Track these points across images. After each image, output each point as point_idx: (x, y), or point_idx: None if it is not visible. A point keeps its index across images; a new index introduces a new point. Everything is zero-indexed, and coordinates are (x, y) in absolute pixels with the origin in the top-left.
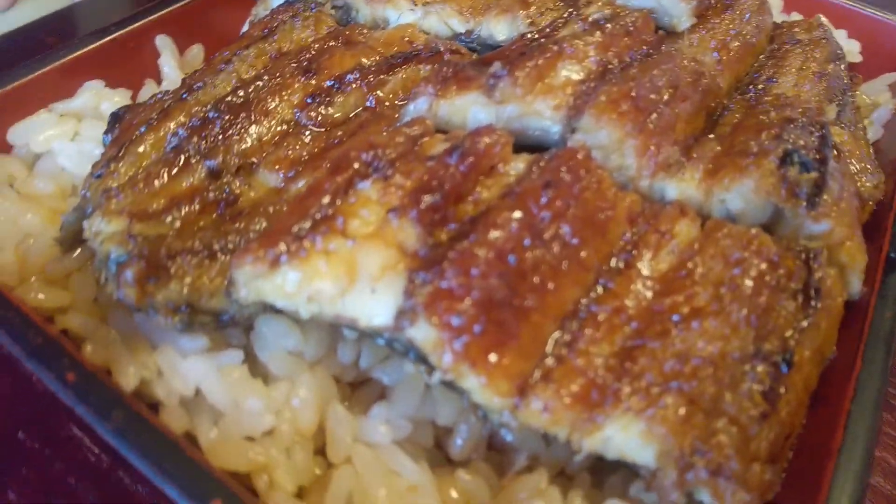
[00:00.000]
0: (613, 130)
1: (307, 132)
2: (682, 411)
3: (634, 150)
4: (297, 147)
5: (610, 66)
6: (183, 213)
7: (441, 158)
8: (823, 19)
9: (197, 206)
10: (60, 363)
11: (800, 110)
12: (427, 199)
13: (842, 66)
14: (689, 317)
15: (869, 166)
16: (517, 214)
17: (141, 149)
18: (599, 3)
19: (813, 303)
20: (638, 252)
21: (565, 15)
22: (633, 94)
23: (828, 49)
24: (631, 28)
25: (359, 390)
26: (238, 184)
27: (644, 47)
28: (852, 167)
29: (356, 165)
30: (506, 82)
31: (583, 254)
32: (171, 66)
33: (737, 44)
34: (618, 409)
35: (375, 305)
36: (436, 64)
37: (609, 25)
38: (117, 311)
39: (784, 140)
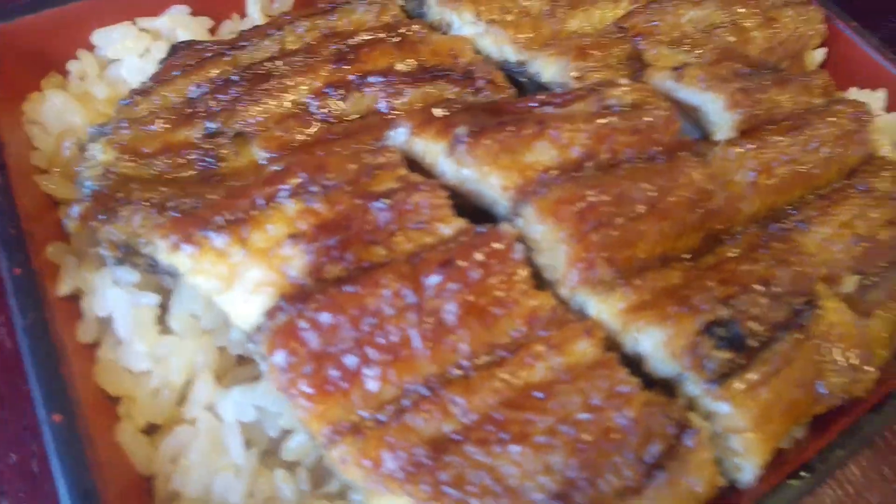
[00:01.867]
0: (549, 230)
1: (312, 121)
2: None
3: (565, 257)
4: (296, 132)
5: (593, 162)
6: (167, 163)
7: (368, 203)
8: None
9: (182, 160)
10: (18, 256)
11: (795, 271)
12: (332, 236)
13: None
14: (515, 439)
15: (856, 360)
16: (406, 279)
17: (166, 91)
18: (636, 87)
19: (655, 474)
20: (517, 355)
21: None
22: (586, 199)
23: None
24: (642, 126)
25: (240, 367)
26: (228, 150)
27: (652, 149)
28: (832, 354)
29: (298, 179)
30: (463, 149)
31: (453, 337)
32: (256, 7)
33: (786, 170)
34: (401, 490)
35: (245, 312)
36: (466, 87)
37: (618, 117)
38: None
39: (729, 306)
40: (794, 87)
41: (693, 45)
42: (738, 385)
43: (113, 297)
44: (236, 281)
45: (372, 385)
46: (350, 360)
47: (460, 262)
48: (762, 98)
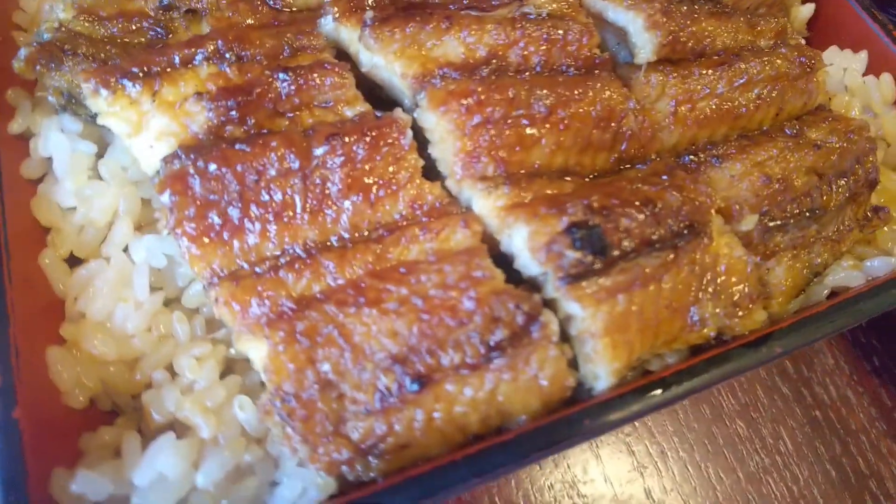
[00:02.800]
0: (438, 121)
1: (263, 7)
2: (305, 371)
3: (452, 150)
4: (246, 16)
5: (498, 65)
6: (119, 28)
7: (276, 74)
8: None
9: (133, 27)
10: None
11: (686, 198)
12: (235, 99)
13: (838, 186)
14: (369, 303)
15: (740, 296)
16: (294, 146)
17: None
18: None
19: (493, 356)
20: (394, 234)
21: None
22: (477, 95)
23: (832, 161)
24: (556, 37)
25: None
26: (178, 24)
27: (565, 61)
28: (713, 285)
29: (216, 45)
30: (368, 33)
31: (335, 208)
32: None
33: (711, 104)
34: (261, 333)
35: (149, 156)
36: None
37: (532, 24)
38: None
39: (600, 215)
40: (735, 23)
41: None
42: (590, 287)
43: (55, 141)
44: (143, 128)
45: (251, 239)
46: (233, 212)
47: (348, 138)
48: (691, 27)
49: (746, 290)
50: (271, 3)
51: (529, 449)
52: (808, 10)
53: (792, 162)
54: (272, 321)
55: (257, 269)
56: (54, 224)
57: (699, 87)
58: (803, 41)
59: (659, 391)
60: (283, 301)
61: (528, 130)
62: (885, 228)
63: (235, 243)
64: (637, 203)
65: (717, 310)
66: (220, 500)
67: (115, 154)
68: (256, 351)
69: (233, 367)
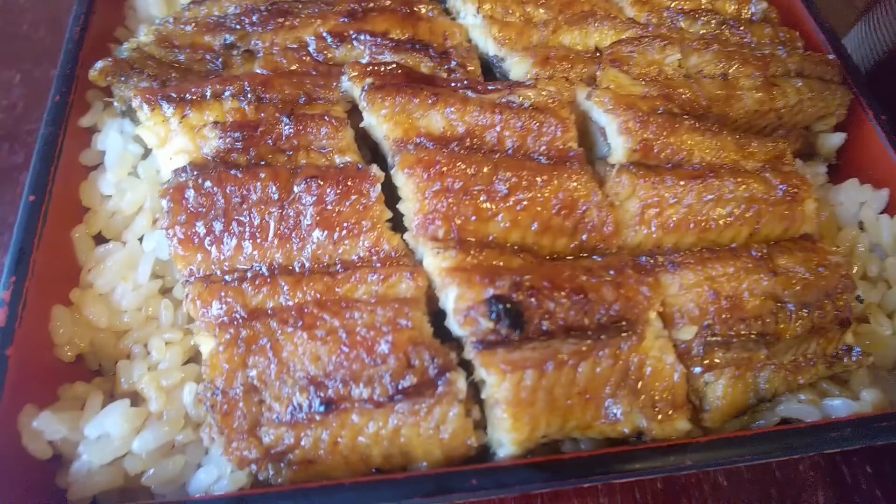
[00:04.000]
0: (406, 183)
1: (306, 57)
2: (236, 372)
3: (413, 209)
4: (291, 62)
5: (473, 142)
6: (186, 56)
7: (282, 117)
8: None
9: (197, 57)
10: (64, 87)
11: (622, 295)
12: (243, 131)
13: (798, 317)
14: (304, 328)
15: (661, 401)
16: (279, 180)
17: (212, 5)
18: (547, 93)
19: (398, 399)
20: (348, 273)
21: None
22: (441, 166)
23: (794, 291)
24: (530, 126)
25: None
26: (235, 61)
27: (537, 150)
28: (634, 384)
29: (243, 85)
30: (363, 96)
31: (302, 240)
32: None
33: (678, 214)
34: (212, 332)
35: (167, 167)
36: (442, 64)
37: (512, 112)
38: None
39: (527, 294)
40: (720, 140)
41: (661, 83)
42: (500, 357)
43: (112, 138)
44: (168, 143)
45: (227, 250)
46: (216, 225)
47: (324, 181)
48: (668, 137)
49: (670, 396)
50: (314, 54)
51: (411, 492)
52: (837, 138)
53: (746, 282)
54: (224, 324)
55: (226, 278)
56: (93, 206)
57: (668, 194)
58: (801, 167)
59: (552, 471)
60: (239, 309)
61: (486, 205)
62: (861, 371)
63: (213, 251)
64: (569, 290)
65: (635, 409)
66: (149, 468)
67: (153, 160)
68: (206, 346)
69: (197, 357)
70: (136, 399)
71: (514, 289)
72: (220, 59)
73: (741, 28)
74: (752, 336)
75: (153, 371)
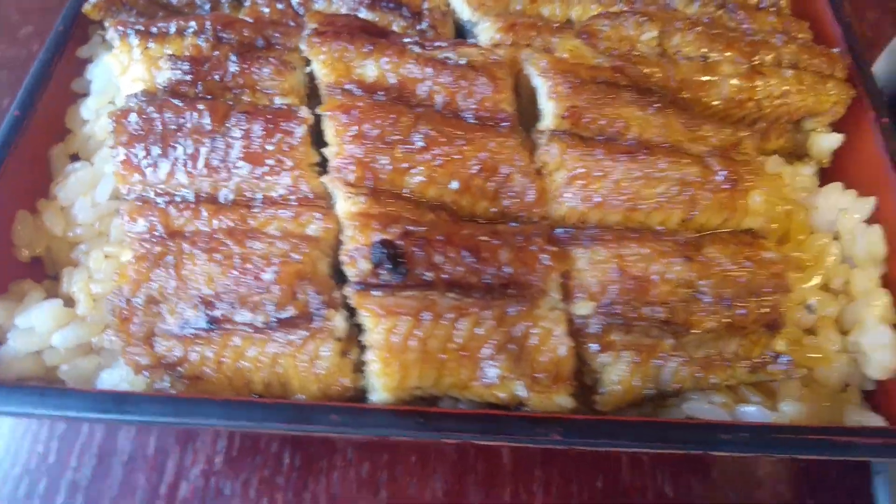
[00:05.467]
0: (328, 126)
1: (288, 9)
2: (141, 283)
3: (332, 153)
4: (274, 14)
5: (402, 94)
6: None
7: (230, 56)
8: None
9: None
10: (69, 22)
11: (517, 258)
12: (193, 66)
13: (711, 312)
14: (207, 251)
15: (543, 373)
16: (215, 113)
17: None
18: (487, 54)
19: (277, 328)
20: (265, 208)
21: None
22: (358, 112)
23: (714, 283)
24: (464, 85)
25: None
26: (223, 7)
27: (467, 108)
28: (521, 350)
29: (205, 24)
30: (304, 40)
31: (229, 172)
32: None
33: (605, 190)
34: (131, 244)
35: (125, 93)
36: (413, 24)
37: (446, 68)
38: None
39: (418, 245)
40: (665, 117)
41: (622, 58)
42: (376, 301)
43: (101, 68)
44: (128, 71)
45: (161, 174)
46: (154, 149)
47: (254, 118)
48: (603, 108)
49: (553, 369)
50: (296, 7)
51: (271, 417)
52: (831, 140)
53: (658, 266)
54: (143, 239)
55: (157, 199)
56: (74, 128)
57: (596, 168)
58: (774, 161)
59: (417, 419)
60: (160, 228)
61: (401, 156)
62: (793, 384)
63: (149, 173)
64: (461, 247)
65: (514, 376)
66: (65, 363)
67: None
68: (124, 257)
69: None
70: (69, 301)
71: (403, 237)
72: (209, 5)
73: (741, 13)
74: (657, 322)
75: (89, 279)
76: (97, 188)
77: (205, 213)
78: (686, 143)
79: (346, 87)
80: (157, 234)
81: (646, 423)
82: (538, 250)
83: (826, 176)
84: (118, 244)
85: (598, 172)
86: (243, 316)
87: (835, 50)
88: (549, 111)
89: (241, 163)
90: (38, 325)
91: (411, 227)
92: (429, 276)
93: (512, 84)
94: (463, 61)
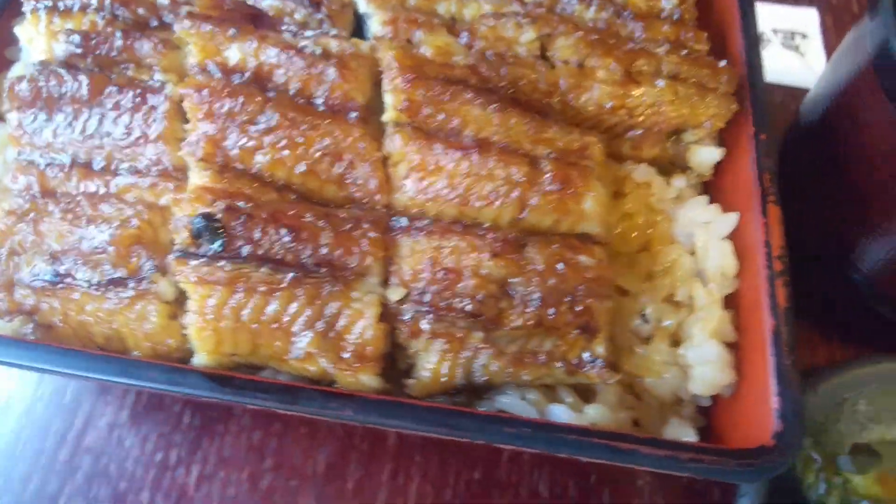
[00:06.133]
0: (185, 105)
1: None
2: (6, 236)
3: (190, 131)
4: None
5: (257, 78)
6: None
7: (116, 32)
8: None
9: None
10: None
11: (337, 241)
12: (84, 40)
13: (519, 310)
14: (63, 211)
15: (348, 352)
16: (94, 85)
17: None
18: (346, 45)
19: (109, 288)
20: (126, 177)
21: None
22: (208, 92)
23: (523, 281)
24: (313, 72)
25: None
26: None
27: (319, 97)
28: (331, 330)
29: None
30: (177, 22)
31: (101, 141)
32: None
33: (440, 184)
34: (5, 201)
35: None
36: (312, 12)
37: (301, 56)
38: None
39: (237, 217)
40: (510, 117)
41: (482, 59)
42: (193, 269)
43: None
44: (32, 43)
45: (45, 137)
46: (40, 115)
47: (125, 91)
48: (443, 105)
49: (360, 350)
50: None
51: (96, 369)
52: (709, 153)
53: (470, 260)
54: (19, 195)
55: (40, 160)
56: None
57: (431, 161)
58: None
59: (216, 381)
60: (35, 187)
61: (248, 136)
62: (615, 388)
63: (35, 137)
64: (283, 225)
65: (322, 353)
66: None
67: None
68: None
69: None
70: None
71: (227, 211)
72: None
73: (635, 20)
74: (466, 315)
75: None
76: (7, 148)
77: (75, 177)
78: (526, 144)
79: (209, 68)
80: (31, 192)
81: (431, 409)
82: (360, 235)
83: (709, 190)
84: None
85: (432, 166)
86: (83, 273)
87: (721, 63)
88: (389, 103)
89: (111, 133)
90: None
91: (240, 203)
92: (246, 250)
93: (368, 75)
94: (319, 51)
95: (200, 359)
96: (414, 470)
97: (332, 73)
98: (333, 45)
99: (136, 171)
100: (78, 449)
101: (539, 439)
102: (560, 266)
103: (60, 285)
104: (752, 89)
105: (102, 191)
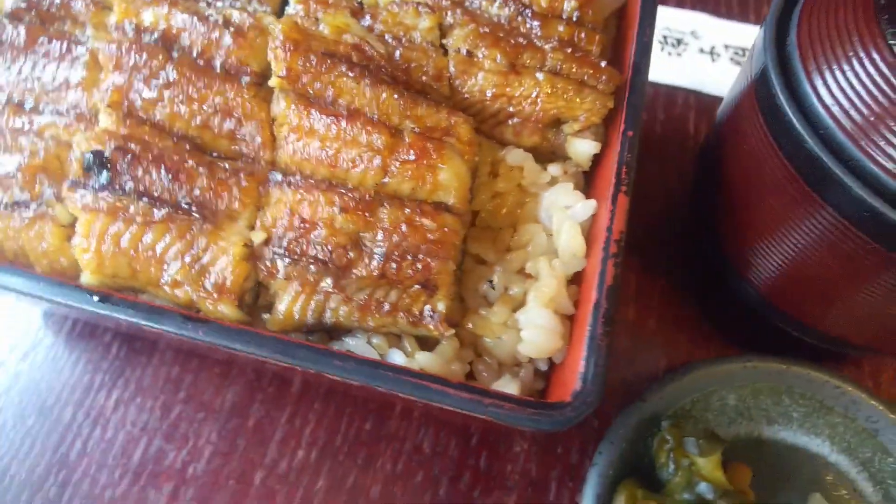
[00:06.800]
0: (99, 57)
1: None
2: None
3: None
4: None
5: (165, 38)
6: None
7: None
8: None
9: None
10: None
11: (207, 196)
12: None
13: (365, 262)
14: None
15: (210, 283)
16: (28, 37)
17: None
18: (254, 13)
19: (18, 209)
20: (46, 117)
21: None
22: (120, 50)
23: (372, 238)
24: (211, 37)
25: None
26: None
27: (217, 59)
28: (198, 263)
29: None
30: None
31: (31, 83)
32: None
33: (313, 146)
34: None
35: None
36: None
37: (202, 22)
38: None
39: (125, 157)
40: (383, 90)
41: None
42: (80, 196)
43: None
44: None
45: None
46: None
47: (51, 41)
48: (320, 76)
49: (220, 283)
50: None
51: None
52: (584, 145)
53: (325, 214)
54: None
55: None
56: None
57: (306, 125)
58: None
59: (90, 296)
60: None
61: (150, 89)
62: (452, 342)
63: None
64: (165, 167)
65: (188, 283)
66: None
67: None
68: None
69: None
70: None
71: (116, 150)
72: None
73: (534, 19)
74: (317, 261)
75: None
76: None
77: (6, 114)
78: (394, 117)
79: (125, 27)
80: None
81: (273, 338)
82: (235, 183)
83: (588, 180)
84: None
85: (307, 129)
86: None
87: (603, 63)
88: (272, 70)
89: (41, 77)
90: None
91: (131, 145)
92: (129, 186)
93: (266, 45)
94: (220, 20)
95: (86, 277)
96: (311, 416)
97: (228, 39)
98: (235, 15)
99: (57, 113)
100: (14, 367)
101: (361, 372)
102: (403, 227)
103: None
104: (631, 90)
105: (27, 127)
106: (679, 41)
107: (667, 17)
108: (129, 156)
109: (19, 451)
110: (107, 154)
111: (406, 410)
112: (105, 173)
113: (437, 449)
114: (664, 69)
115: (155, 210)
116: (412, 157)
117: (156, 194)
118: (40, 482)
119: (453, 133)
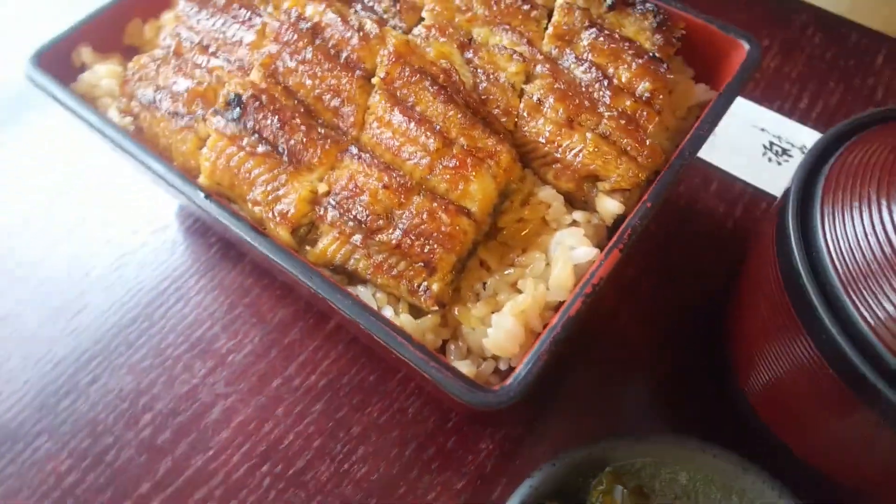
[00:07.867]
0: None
1: None
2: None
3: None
4: None
5: (318, 32)
6: None
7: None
8: None
9: None
10: None
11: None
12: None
13: (387, 232)
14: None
15: (280, 214)
16: (227, 4)
17: None
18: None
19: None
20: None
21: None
22: (280, 25)
23: (394, 214)
24: (346, 37)
25: None
26: None
27: (348, 54)
28: (274, 195)
29: None
30: None
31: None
32: None
33: (386, 140)
34: None
35: None
36: None
37: (348, 26)
38: None
39: (259, 102)
40: (446, 110)
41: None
42: (217, 121)
43: None
44: None
45: (201, 24)
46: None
47: (241, 7)
48: (408, 86)
49: (286, 212)
50: None
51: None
52: (610, 204)
53: (371, 186)
54: (163, 48)
55: (184, 34)
56: None
57: (387, 119)
58: None
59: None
60: (172, 48)
61: (291, 61)
62: (434, 315)
63: (188, 20)
64: (278, 119)
65: (261, 206)
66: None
67: None
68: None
69: None
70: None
71: (251, 97)
72: None
73: (608, 89)
74: (355, 220)
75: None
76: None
77: (195, 51)
78: (453, 132)
79: (292, 12)
80: (169, 50)
81: (302, 261)
82: (321, 145)
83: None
84: None
85: (386, 121)
86: (167, 103)
87: (648, 141)
88: (377, 70)
89: (226, 32)
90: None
91: (262, 97)
92: (250, 124)
93: (379, 51)
94: (356, 24)
95: (201, 179)
96: (332, 353)
97: (355, 40)
98: (368, 24)
99: (227, 60)
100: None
101: (355, 311)
102: (425, 214)
103: (154, 105)
104: (668, 168)
105: (204, 64)
106: (785, 151)
107: (782, 127)
108: (258, 103)
109: (122, 298)
110: (244, 98)
111: (405, 379)
112: (237, 110)
113: (417, 417)
114: (758, 172)
115: (260, 146)
116: (453, 165)
117: (264, 135)
118: (127, 325)
119: (495, 157)
